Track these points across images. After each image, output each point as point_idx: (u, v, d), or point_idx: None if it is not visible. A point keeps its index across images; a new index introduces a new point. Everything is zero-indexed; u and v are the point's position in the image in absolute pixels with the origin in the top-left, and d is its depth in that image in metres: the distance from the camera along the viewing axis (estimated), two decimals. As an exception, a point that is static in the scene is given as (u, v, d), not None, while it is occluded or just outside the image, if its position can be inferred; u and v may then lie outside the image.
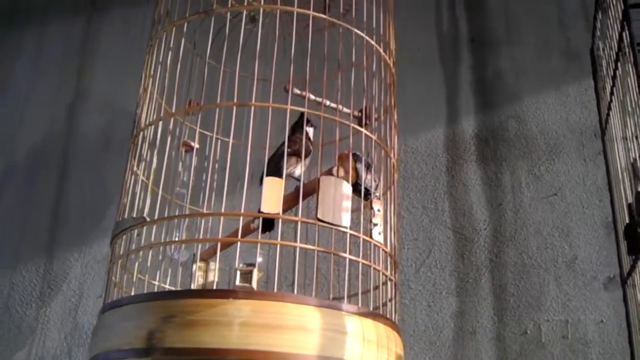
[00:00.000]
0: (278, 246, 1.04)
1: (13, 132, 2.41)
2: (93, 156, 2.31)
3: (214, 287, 1.24)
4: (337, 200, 1.10)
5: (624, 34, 1.29)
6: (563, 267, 1.89)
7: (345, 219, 1.10)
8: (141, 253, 1.15)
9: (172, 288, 1.31)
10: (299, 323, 0.97)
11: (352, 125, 1.20)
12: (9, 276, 2.16)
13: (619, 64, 1.39)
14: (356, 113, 1.35)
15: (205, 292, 1.08)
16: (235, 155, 1.23)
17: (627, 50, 1.27)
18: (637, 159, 1.30)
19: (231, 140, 1.14)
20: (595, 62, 1.83)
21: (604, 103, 1.68)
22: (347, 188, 1.14)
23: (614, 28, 1.41)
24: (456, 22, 2.31)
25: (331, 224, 1.08)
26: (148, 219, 1.11)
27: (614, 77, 1.47)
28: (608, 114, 1.62)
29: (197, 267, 1.36)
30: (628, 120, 1.34)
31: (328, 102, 1.32)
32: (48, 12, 2.65)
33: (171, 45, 1.27)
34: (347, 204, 1.12)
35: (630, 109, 1.29)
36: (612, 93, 1.51)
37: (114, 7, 2.59)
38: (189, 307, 0.96)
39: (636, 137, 1.28)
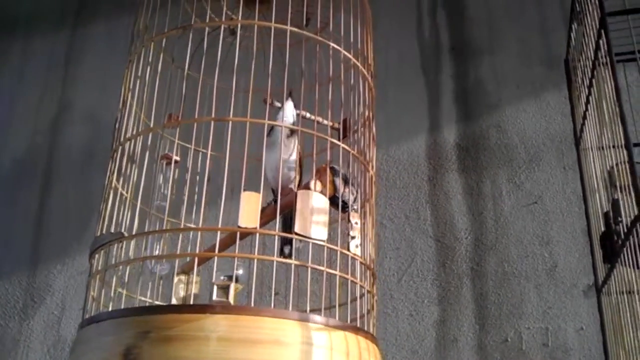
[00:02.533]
0: (255, 260, 1.05)
1: (-4, 144, 2.41)
2: (76, 168, 2.32)
3: (197, 300, 1.24)
4: (315, 214, 1.11)
5: (600, 42, 1.30)
6: (543, 275, 1.91)
7: (323, 233, 1.11)
8: (120, 267, 1.15)
9: (153, 301, 1.32)
10: (275, 337, 0.98)
11: (330, 139, 1.21)
12: (-8, 289, 2.15)
13: (595, 73, 1.40)
14: (336, 125, 1.37)
15: (182, 307, 1.08)
16: (217, 167, 1.24)
17: (604, 59, 1.28)
18: (614, 167, 1.31)
19: (209, 153, 1.14)
20: (569, 73, 1.85)
21: (579, 113, 1.70)
22: (323, 202, 1.15)
23: (591, 37, 1.42)
24: (437, 31, 2.33)
25: (308, 237, 1.09)
26: (126, 235, 1.12)
27: (589, 87, 1.48)
28: (583, 124, 1.63)
29: (178, 279, 1.36)
30: (605, 129, 1.35)
31: (308, 115, 1.34)
32: (32, 24, 2.65)
33: (150, 60, 1.28)
34: (324, 217, 1.13)
35: (607, 118, 1.30)
36: (587, 102, 1.53)
37: (98, 20, 2.60)
38: (165, 323, 0.97)
39: (613, 146, 1.30)
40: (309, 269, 1.08)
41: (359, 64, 1.35)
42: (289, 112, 1.32)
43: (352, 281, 1.14)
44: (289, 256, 1.28)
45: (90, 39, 2.56)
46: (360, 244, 1.19)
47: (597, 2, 1.30)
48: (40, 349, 2.04)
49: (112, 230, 1.17)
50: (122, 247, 1.16)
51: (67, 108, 2.45)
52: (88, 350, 1.05)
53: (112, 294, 1.15)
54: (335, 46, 1.29)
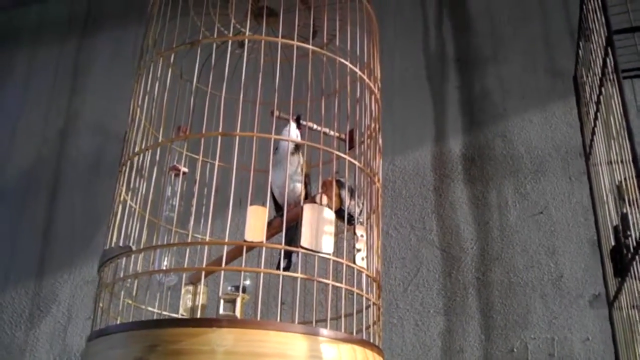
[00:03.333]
0: (261, 274, 1.06)
1: (3, 154, 2.43)
2: (83, 178, 2.33)
3: (204, 310, 1.25)
4: (320, 228, 1.12)
5: (607, 59, 1.31)
6: (549, 285, 1.91)
7: (328, 246, 1.12)
8: (129, 280, 1.16)
9: (161, 312, 1.32)
10: (280, 350, 0.99)
11: (335, 152, 1.22)
12: (-1, 298, 2.17)
13: (602, 89, 1.41)
14: (342, 136, 1.38)
15: (189, 321, 1.09)
16: (224, 179, 1.25)
17: (611, 76, 1.29)
18: (622, 181, 1.32)
19: (217, 164, 1.15)
20: (578, 89, 1.85)
21: (588, 128, 1.70)
22: (330, 215, 1.16)
23: (598, 54, 1.43)
24: (443, 42, 2.34)
25: (314, 250, 1.10)
26: (134, 248, 1.13)
27: (597, 103, 1.49)
28: (592, 139, 1.64)
29: (186, 290, 1.37)
30: (613, 144, 1.36)
31: (315, 126, 1.35)
32: (39, 34, 2.67)
33: (159, 75, 1.29)
34: (330, 230, 1.14)
35: (615, 133, 1.31)
36: (595, 118, 1.53)
37: (105, 30, 2.61)
38: (173, 337, 0.98)
39: (621, 161, 1.30)
40: (315, 282, 1.09)
41: (365, 77, 1.36)
42: (292, 133, 1.34)
43: (357, 293, 1.15)
44: (286, 269, 1.29)
45: (97, 49, 2.58)
46: (366, 257, 1.19)
47: (603, 20, 1.31)
48: (46, 358, 2.05)
49: (121, 242, 1.18)
50: (130, 259, 1.17)
51: (73, 119, 2.46)
52: (96, 362, 1.06)
53: (120, 306, 1.16)
54: (342, 60, 1.30)
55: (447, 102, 2.24)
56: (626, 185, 1.30)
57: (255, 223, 1.06)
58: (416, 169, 2.15)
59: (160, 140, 1.23)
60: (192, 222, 1.15)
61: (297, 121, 1.36)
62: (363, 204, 1.27)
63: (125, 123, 1.40)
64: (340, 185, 1.23)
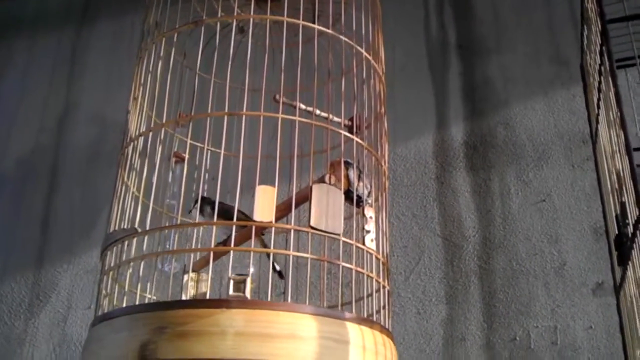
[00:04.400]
0: (271, 255, 1.04)
1: (2, 144, 2.40)
2: (82, 167, 2.31)
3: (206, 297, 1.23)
4: (330, 208, 1.10)
5: (603, 48, 1.30)
6: (552, 273, 1.90)
7: (338, 227, 1.10)
8: (132, 264, 1.14)
9: (168, 298, 1.30)
10: (291, 331, 0.97)
11: (343, 132, 1.21)
12: (-3, 287, 2.14)
13: (602, 78, 1.40)
14: (347, 122, 1.36)
15: (198, 302, 1.07)
16: (227, 165, 1.23)
17: (606, 65, 1.28)
18: (621, 171, 1.31)
19: (222, 151, 1.13)
20: (585, 77, 1.84)
21: (594, 115, 1.70)
22: (339, 195, 1.14)
23: (596, 42, 1.42)
24: (445, 29, 2.32)
25: (324, 231, 1.09)
26: (139, 230, 1.11)
27: (599, 91, 1.48)
28: (597, 127, 1.63)
29: (189, 277, 1.35)
30: (612, 133, 1.35)
31: (318, 112, 1.33)
32: (37, 23, 2.65)
33: (161, 56, 1.27)
34: (340, 211, 1.12)
35: (612, 122, 1.30)
36: (598, 106, 1.53)
37: (103, 19, 2.59)
38: (181, 318, 0.96)
39: (618, 150, 1.29)
40: (325, 263, 1.07)
41: (370, 58, 1.35)
42: None
43: (367, 276, 1.13)
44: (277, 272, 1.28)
45: (95, 38, 2.56)
46: (375, 238, 1.18)
47: (597, 9, 1.30)
48: (46, 347, 2.03)
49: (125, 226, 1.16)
50: (133, 245, 1.15)
51: (72, 107, 2.44)
52: (102, 347, 1.04)
53: (124, 292, 1.14)
54: (347, 40, 1.28)
55: (449, 89, 2.22)
56: (624, 174, 1.29)
57: (264, 203, 1.05)
58: (418, 157, 2.13)
59: (165, 122, 1.21)
60: (198, 207, 1.13)
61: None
62: (371, 185, 1.25)
63: (124, 111, 1.38)
64: (348, 165, 1.22)
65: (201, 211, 1.27)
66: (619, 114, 1.14)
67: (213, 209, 1.10)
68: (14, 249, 2.21)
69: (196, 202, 1.26)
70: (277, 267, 1.30)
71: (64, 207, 2.25)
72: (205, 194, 1.25)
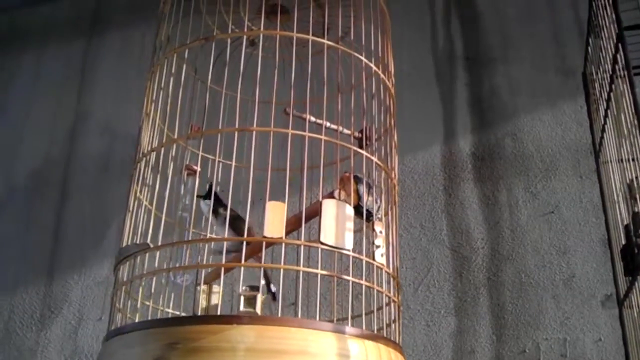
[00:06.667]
0: (281, 270, 1.05)
1: (13, 154, 2.42)
2: (93, 178, 2.32)
3: (218, 311, 1.24)
4: (339, 223, 1.11)
5: (618, 56, 1.31)
6: (561, 285, 1.90)
7: (348, 242, 1.11)
8: (144, 279, 1.15)
9: (176, 312, 1.31)
10: (302, 347, 0.98)
11: (353, 147, 1.21)
12: (9, 299, 2.15)
13: (613, 86, 1.40)
14: (356, 134, 1.37)
15: (210, 318, 1.08)
16: (238, 178, 1.24)
17: (621, 72, 1.28)
18: (634, 180, 1.31)
19: (234, 164, 1.14)
20: (587, 86, 1.85)
21: (598, 125, 1.70)
22: (349, 210, 1.15)
23: (608, 50, 1.42)
24: (452, 41, 2.33)
25: (334, 246, 1.09)
26: (152, 246, 1.12)
27: (607, 100, 1.48)
28: (602, 137, 1.63)
29: (201, 290, 1.36)
30: (623, 142, 1.35)
31: (328, 124, 1.33)
32: (47, 33, 2.67)
33: (172, 71, 1.28)
34: (349, 226, 1.12)
35: (625, 130, 1.30)
36: (606, 115, 1.52)
37: (113, 29, 2.61)
38: (193, 334, 0.97)
39: (633, 159, 1.29)
40: (335, 278, 1.08)
41: (379, 72, 1.35)
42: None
43: (377, 290, 1.14)
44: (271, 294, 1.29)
45: (105, 49, 2.58)
46: (385, 253, 1.18)
47: (614, 17, 1.30)
48: (57, 359, 2.04)
49: (137, 241, 1.17)
50: (146, 259, 1.16)
51: (82, 118, 2.46)
52: (114, 361, 1.05)
53: (137, 305, 1.15)
54: (357, 55, 1.29)
55: (456, 100, 2.23)
56: (637, 183, 1.29)
57: (275, 218, 1.05)
58: (426, 168, 2.14)
59: (176, 137, 1.22)
60: (210, 220, 1.14)
61: None
62: (381, 199, 1.26)
63: (134, 123, 1.39)
64: (357, 180, 1.22)
65: (214, 211, 1.29)
66: (636, 120, 1.14)
67: (225, 210, 1.11)
68: (26, 260, 2.22)
69: (209, 191, 1.27)
70: (273, 289, 1.30)
71: (75, 218, 2.27)
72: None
